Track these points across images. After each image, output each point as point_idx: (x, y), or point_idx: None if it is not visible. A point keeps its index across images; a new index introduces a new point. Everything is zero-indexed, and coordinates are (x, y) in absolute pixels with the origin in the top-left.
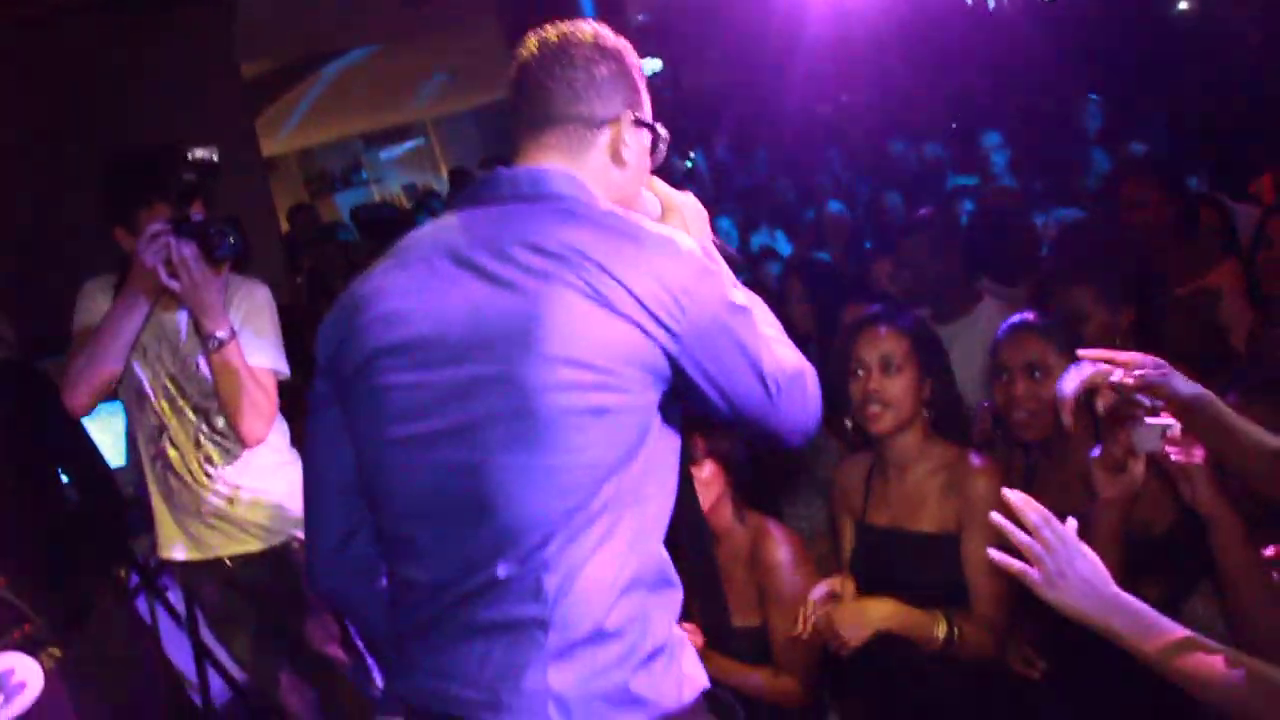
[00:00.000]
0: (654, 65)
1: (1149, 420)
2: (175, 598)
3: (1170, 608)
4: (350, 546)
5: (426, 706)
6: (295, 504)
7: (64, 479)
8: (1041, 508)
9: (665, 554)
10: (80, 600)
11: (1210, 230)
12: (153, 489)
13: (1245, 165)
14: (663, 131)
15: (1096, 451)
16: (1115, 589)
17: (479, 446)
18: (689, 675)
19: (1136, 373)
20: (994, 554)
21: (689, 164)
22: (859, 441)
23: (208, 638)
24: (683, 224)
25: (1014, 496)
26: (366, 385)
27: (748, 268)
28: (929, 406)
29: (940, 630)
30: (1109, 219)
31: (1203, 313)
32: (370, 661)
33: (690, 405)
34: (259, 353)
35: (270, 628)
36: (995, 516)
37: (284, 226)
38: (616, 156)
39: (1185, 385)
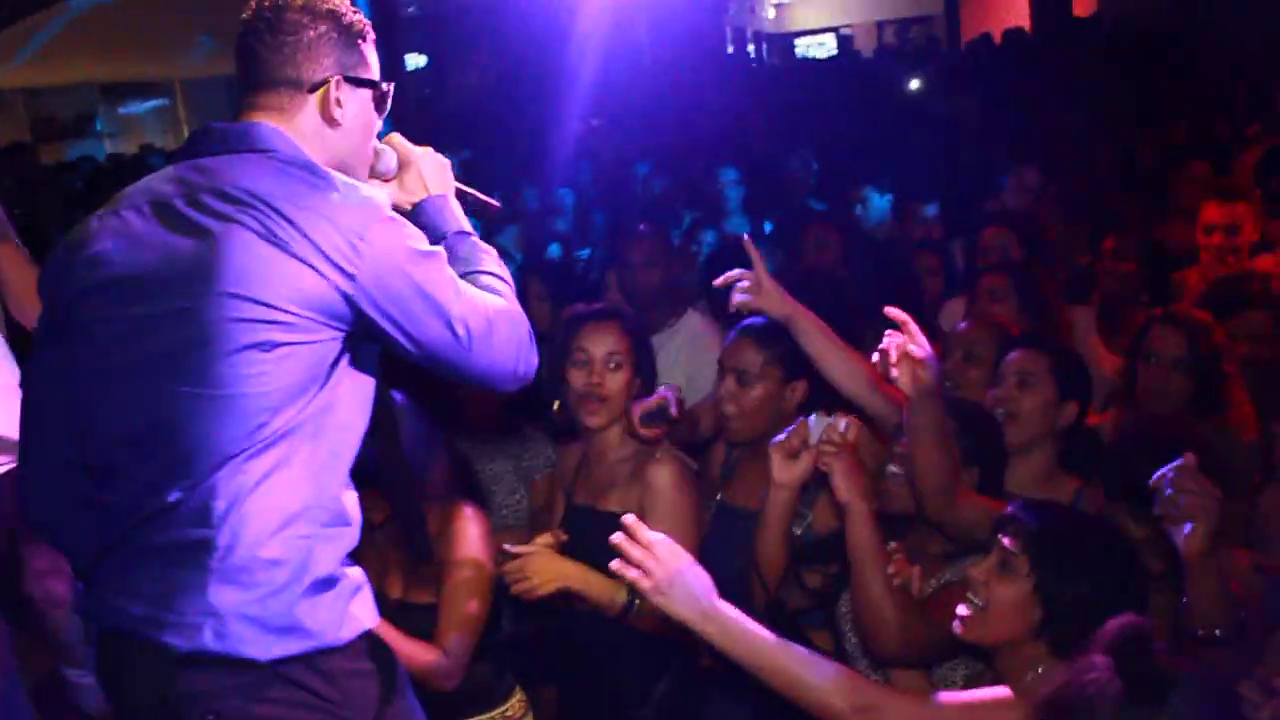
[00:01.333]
0: (417, 61)
1: (822, 418)
2: None
3: (823, 596)
4: (61, 475)
5: (106, 621)
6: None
7: None
8: (655, 534)
9: (347, 494)
10: None
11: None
12: None
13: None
14: (386, 86)
15: (779, 437)
16: (715, 601)
17: (160, 376)
18: (353, 615)
19: None
20: (614, 565)
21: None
22: (564, 427)
23: None
24: (420, 177)
25: (629, 519)
26: (76, 321)
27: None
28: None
29: (621, 597)
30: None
31: None
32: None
33: (382, 347)
34: None
35: None
36: (616, 537)
37: None
38: (328, 116)
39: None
